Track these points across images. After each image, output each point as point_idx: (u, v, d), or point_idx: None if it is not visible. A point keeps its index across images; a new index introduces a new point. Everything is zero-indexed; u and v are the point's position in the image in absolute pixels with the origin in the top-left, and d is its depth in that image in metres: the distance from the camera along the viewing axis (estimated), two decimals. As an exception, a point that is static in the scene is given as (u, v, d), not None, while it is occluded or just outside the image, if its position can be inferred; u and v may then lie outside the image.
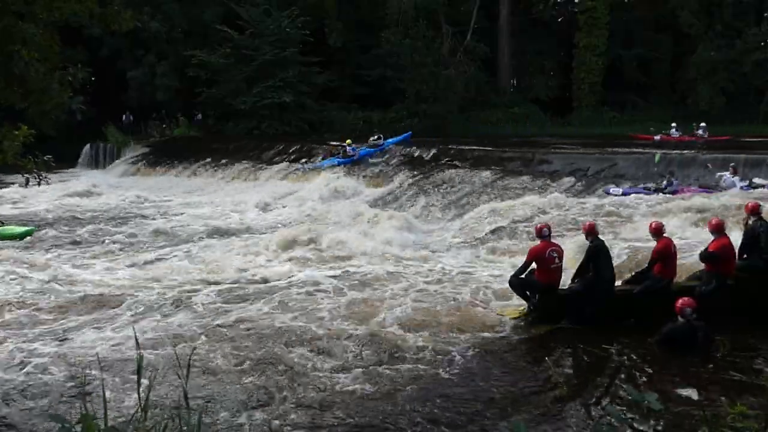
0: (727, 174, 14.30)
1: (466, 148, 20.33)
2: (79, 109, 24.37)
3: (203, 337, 7.74)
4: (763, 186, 13.75)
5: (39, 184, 6.18)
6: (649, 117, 31.74)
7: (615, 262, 8.45)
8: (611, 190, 15.13)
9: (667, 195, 13.90)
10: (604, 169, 16.07)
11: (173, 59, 31.99)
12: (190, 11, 32.55)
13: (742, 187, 13.74)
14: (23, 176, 6.12)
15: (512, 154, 18.72)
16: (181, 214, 18.05)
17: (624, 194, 14.71)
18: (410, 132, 24.52)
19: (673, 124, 25.10)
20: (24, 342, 7.59)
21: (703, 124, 24.39)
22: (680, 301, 7.00)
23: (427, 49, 30.59)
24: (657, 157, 16.20)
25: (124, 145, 30.65)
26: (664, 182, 14.52)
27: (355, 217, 15.31)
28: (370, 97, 33.59)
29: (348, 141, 22.05)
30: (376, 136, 22.90)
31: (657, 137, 23.80)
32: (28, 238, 14.13)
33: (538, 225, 8.57)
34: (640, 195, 14.04)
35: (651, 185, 14.75)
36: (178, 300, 9.36)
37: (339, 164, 21.27)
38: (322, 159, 22.24)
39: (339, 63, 34.80)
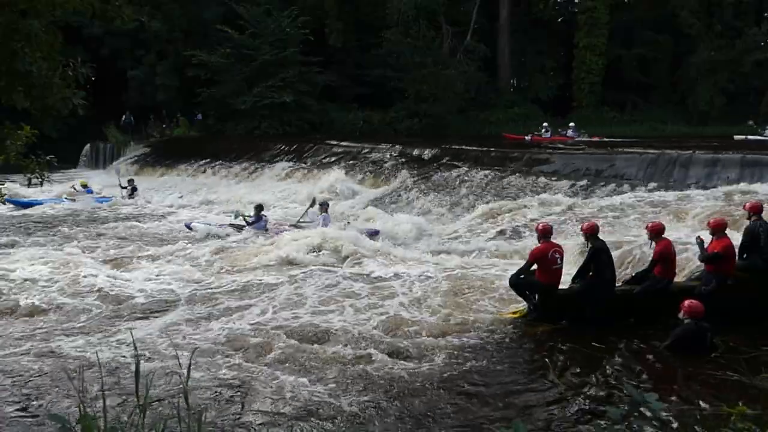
0: (315, 210, 13.99)
1: (466, 148, 20.31)
2: (81, 104, 24.29)
3: (205, 336, 7.73)
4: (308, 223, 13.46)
5: (41, 184, 6.13)
6: (649, 117, 31.81)
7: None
8: (192, 225, 14.64)
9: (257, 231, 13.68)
10: (604, 169, 16.03)
11: (173, 59, 31.98)
12: (190, 11, 32.54)
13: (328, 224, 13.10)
14: (25, 176, 6.07)
15: (512, 154, 18.70)
16: (180, 214, 18.05)
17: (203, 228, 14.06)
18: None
19: (545, 124, 25.56)
20: (24, 342, 7.60)
21: (572, 125, 24.90)
22: (687, 302, 6.98)
23: (427, 49, 30.58)
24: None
25: (124, 145, 30.63)
26: (252, 217, 14.10)
27: (354, 218, 15.32)
28: (370, 97, 33.55)
29: (82, 181, 21.46)
30: (129, 188, 21.05)
31: (528, 137, 24.23)
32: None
33: (540, 225, 8.54)
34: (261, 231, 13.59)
35: (238, 220, 14.23)
36: (179, 299, 9.36)
37: (60, 203, 19.43)
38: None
39: (339, 63, 34.76)
